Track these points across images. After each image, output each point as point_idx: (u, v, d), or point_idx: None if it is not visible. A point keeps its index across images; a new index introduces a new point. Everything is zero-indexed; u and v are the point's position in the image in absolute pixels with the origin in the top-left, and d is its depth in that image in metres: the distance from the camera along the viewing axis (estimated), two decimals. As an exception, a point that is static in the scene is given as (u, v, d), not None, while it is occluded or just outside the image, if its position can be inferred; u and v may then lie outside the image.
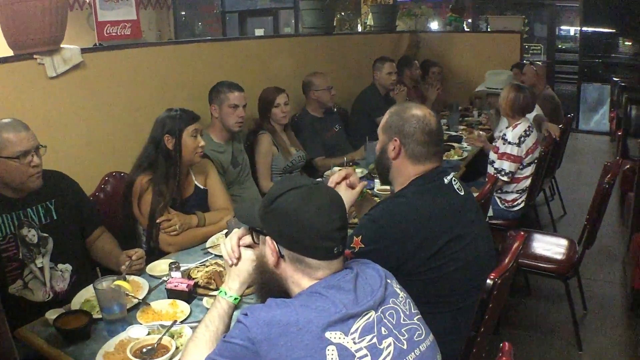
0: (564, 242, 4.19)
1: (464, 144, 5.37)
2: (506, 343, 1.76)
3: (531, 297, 4.56)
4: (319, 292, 1.60)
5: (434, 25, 9.77)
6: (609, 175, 3.69)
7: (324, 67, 5.60)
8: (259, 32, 9.76)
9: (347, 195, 2.44)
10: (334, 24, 6.92)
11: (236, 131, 4.15)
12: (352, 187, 2.49)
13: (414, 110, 2.42)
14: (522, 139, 4.50)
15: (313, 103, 5.21)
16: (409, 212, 2.32)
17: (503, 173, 4.50)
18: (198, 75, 4.51)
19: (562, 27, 12.53)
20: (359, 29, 9.37)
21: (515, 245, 2.36)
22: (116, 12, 4.20)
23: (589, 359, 3.82)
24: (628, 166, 6.15)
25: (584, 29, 11.31)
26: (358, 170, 4.44)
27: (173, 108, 3.33)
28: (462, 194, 2.47)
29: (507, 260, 2.26)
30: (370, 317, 1.59)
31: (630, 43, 11.68)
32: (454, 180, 2.48)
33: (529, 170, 4.61)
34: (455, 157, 4.95)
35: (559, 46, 12.33)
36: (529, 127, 4.58)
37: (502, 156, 4.52)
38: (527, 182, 4.61)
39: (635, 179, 4.66)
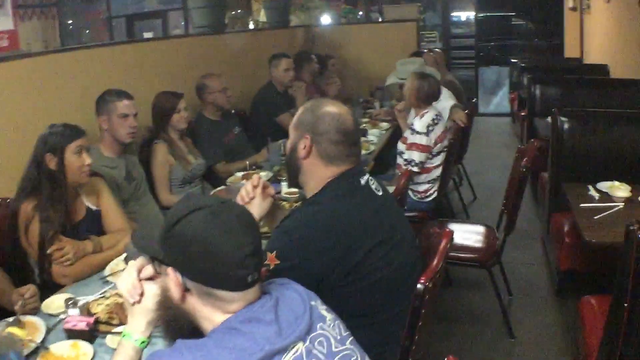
0: (482, 229, 4.04)
1: (370, 137, 5.16)
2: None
3: (453, 287, 4.40)
4: (236, 328, 1.38)
5: (329, 18, 9.53)
6: (525, 159, 3.53)
7: (217, 68, 5.32)
8: (147, 35, 9.36)
9: (263, 206, 2.31)
10: (225, 23, 6.59)
11: (129, 143, 3.79)
12: (269, 195, 2.34)
13: (329, 107, 2.19)
14: (430, 127, 4.32)
15: (209, 106, 4.90)
16: (326, 220, 2.08)
17: (413, 164, 4.31)
18: (82, 85, 4.10)
19: (456, 13, 12.63)
20: (251, 26, 9.05)
21: (443, 244, 2.14)
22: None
23: (522, 346, 3.67)
24: (538, 145, 6.11)
25: (479, 14, 11.42)
26: (262, 174, 4.16)
27: (55, 124, 3.00)
28: (381, 193, 2.25)
29: (435, 262, 2.04)
30: (298, 350, 1.40)
31: (525, 25, 11.87)
32: (371, 180, 2.25)
33: (438, 160, 4.43)
34: (363, 152, 4.73)
35: (454, 32, 12.40)
36: (436, 115, 4.41)
37: (411, 146, 4.33)
38: (438, 171, 4.43)
39: (548, 159, 4.53)
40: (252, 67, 6.36)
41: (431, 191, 4.46)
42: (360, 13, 10.31)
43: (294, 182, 2.33)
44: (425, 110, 4.40)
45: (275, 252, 2.05)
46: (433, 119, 4.35)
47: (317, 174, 2.20)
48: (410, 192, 4.44)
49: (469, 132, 5.89)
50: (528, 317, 3.97)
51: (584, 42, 9.07)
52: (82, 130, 3.03)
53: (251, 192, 2.30)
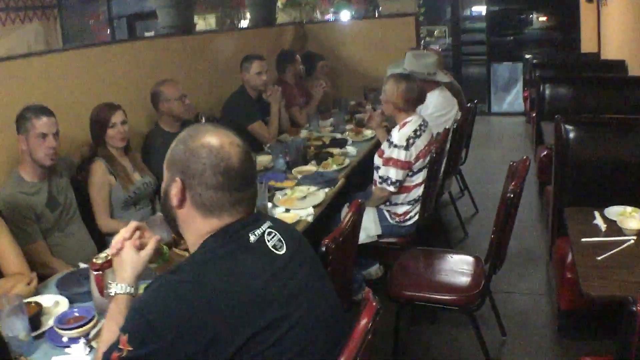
0: (468, 261, 3.41)
1: (349, 148, 4.54)
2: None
3: (438, 324, 3.78)
4: None
5: (322, 15, 8.92)
6: (513, 183, 2.90)
7: (188, 71, 5.00)
8: (149, 34, 8.93)
9: (137, 260, 1.84)
10: (195, 23, 6.01)
11: (49, 165, 3.31)
12: (141, 247, 1.86)
13: (207, 138, 1.65)
14: (411, 140, 3.70)
15: (165, 117, 4.36)
16: (190, 295, 1.50)
17: (389, 182, 3.70)
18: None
19: (468, 7, 12.02)
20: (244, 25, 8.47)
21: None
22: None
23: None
24: (545, 153, 5.47)
25: (491, 7, 10.77)
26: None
27: None
28: (283, 252, 1.66)
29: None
30: None
31: (540, 18, 11.21)
32: (270, 233, 1.67)
33: (421, 177, 3.80)
34: (334, 167, 4.13)
35: (465, 26, 11.77)
36: (420, 125, 3.80)
37: (388, 162, 3.72)
38: (420, 190, 3.80)
39: (552, 170, 3.88)
40: (232, 70, 5.74)
41: (411, 213, 3.83)
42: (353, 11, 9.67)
43: (176, 232, 1.78)
44: (408, 119, 3.79)
45: (127, 335, 1.49)
46: (415, 130, 3.74)
47: (194, 228, 1.66)
48: (386, 214, 3.85)
49: (464, 138, 5.23)
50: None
51: (601, 36, 8.43)
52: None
53: (119, 243, 1.84)
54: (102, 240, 3.61)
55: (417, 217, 3.81)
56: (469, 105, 5.40)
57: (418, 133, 3.73)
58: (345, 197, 4.05)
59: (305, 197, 3.53)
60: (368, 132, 5.05)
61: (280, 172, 4.14)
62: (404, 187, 3.77)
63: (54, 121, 3.27)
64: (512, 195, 2.83)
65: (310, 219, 3.22)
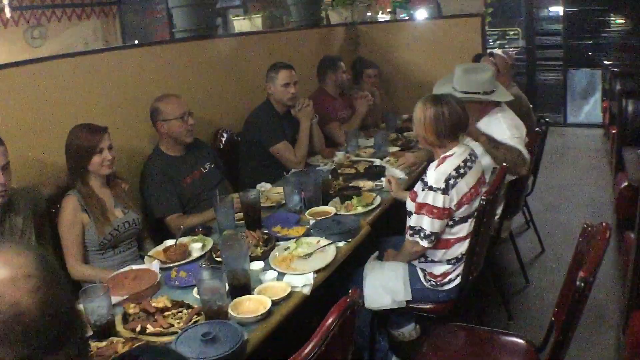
0: (517, 347, 2.59)
1: (383, 182, 3.75)
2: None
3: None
4: None
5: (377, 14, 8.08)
6: (585, 267, 2.06)
7: (204, 80, 4.46)
8: None
9: None
10: (217, 25, 5.31)
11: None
12: None
13: None
14: (452, 181, 2.88)
15: (165, 139, 3.71)
16: None
17: (422, 234, 2.90)
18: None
19: (543, 7, 11.01)
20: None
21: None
22: None
23: None
24: (625, 184, 4.57)
25: (569, 8, 9.75)
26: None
27: None
28: None
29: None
30: None
31: (622, 20, 10.11)
32: None
33: (465, 229, 2.97)
34: (359, 209, 3.35)
35: (540, 28, 10.75)
36: (465, 161, 2.96)
37: (421, 208, 2.92)
38: (464, 245, 2.98)
39: (637, 211, 3.04)
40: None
41: (452, 275, 3.02)
42: (411, 12, 8.79)
43: None
44: (449, 152, 2.97)
45: None
46: (458, 167, 2.91)
47: None
48: (420, 273, 3.07)
49: (534, 164, 4.37)
50: None
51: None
52: None
53: None
54: (77, 287, 2.96)
55: (459, 279, 3.01)
56: (539, 126, 4.52)
57: (462, 171, 2.92)
58: (374, 242, 3.31)
59: (310, 254, 2.78)
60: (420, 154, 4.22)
61: (293, 212, 3.40)
62: (443, 242, 2.97)
63: (4, 150, 2.66)
64: (582, 285, 2.00)
65: (306, 290, 2.46)
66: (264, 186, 3.88)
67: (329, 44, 6.47)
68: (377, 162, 4.24)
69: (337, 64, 5.32)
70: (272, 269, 2.66)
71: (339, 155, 4.49)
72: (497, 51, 5.88)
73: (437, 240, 2.93)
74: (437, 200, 2.84)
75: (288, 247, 2.87)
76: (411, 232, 2.95)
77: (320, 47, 6.16)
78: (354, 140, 4.74)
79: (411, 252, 3.01)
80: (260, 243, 2.92)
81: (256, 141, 4.32)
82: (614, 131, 6.44)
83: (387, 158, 4.35)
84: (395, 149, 4.63)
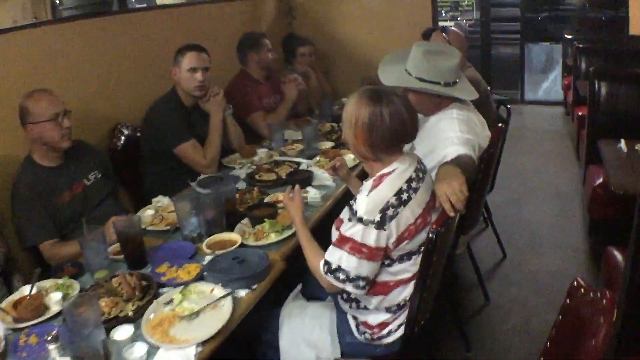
0: None
1: (311, 192, 2.99)
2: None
3: None
4: None
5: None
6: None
7: (91, 63, 3.69)
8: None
9: None
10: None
11: None
12: None
13: None
14: (392, 211, 2.09)
15: (37, 145, 2.96)
16: None
17: (345, 277, 2.13)
18: None
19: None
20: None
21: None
22: None
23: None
24: (600, 181, 3.93)
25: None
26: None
27: None
28: None
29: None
30: None
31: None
32: None
33: (409, 268, 2.21)
34: (272, 236, 2.57)
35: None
36: (409, 180, 2.17)
37: (344, 243, 2.13)
38: (407, 289, 2.23)
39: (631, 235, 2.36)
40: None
41: (392, 325, 2.27)
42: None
43: None
44: (387, 169, 2.19)
45: None
46: (399, 192, 2.12)
47: None
48: (351, 323, 2.33)
49: (491, 168, 3.60)
50: None
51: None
52: None
53: None
54: None
55: (401, 330, 2.26)
56: (499, 114, 3.80)
57: (405, 196, 2.13)
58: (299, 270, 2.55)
59: (198, 312, 2.01)
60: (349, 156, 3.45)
61: (189, 240, 2.62)
62: (379, 286, 2.21)
63: None
64: None
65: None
66: (161, 201, 3.07)
67: (258, 18, 5.67)
68: (304, 163, 3.46)
69: (260, 41, 4.50)
70: (143, 339, 1.89)
71: (261, 154, 3.71)
72: (451, 26, 5.15)
73: (370, 285, 2.17)
74: (368, 236, 2.07)
75: (172, 300, 2.10)
76: (326, 268, 2.17)
77: (248, 22, 5.36)
78: (279, 134, 3.94)
79: (330, 290, 2.27)
80: (136, 294, 2.15)
81: (158, 140, 3.52)
82: (580, 113, 5.81)
83: (317, 158, 3.56)
84: (328, 144, 3.84)
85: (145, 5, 5.40)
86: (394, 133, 2.12)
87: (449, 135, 2.76)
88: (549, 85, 9.57)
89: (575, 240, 4.38)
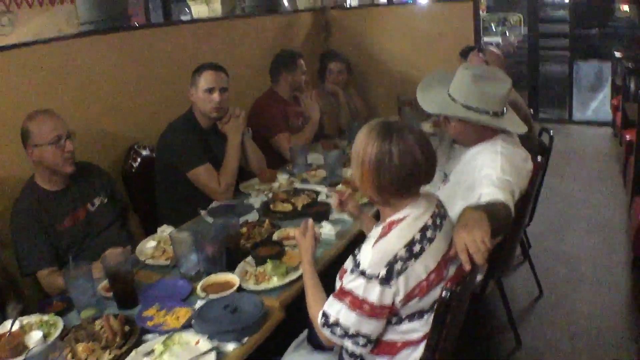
0: None
1: (326, 227, 2.78)
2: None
3: None
4: None
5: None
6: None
7: (105, 80, 3.57)
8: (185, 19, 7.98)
9: None
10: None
11: None
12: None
13: None
14: (400, 265, 1.84)
15: (39, 168, 2.84)
16: None
17: (345, 333, 1.90)
18: None
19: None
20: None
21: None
22: None
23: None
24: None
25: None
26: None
27: None
28: None
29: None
30: None
31: (625, 6, 9.30)
32: None
33: (420, 327, 1.97)
34: (274, 280, 2.34)
35: (544, 15, 9.84)
36: (423, 229, 1.92)
37: (344, 296, 1.90)
38: (418, 351, 1.97)
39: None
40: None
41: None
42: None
43: None
44: (398, 216, 1.95)
45: None
46: (411, 243, 1.88)
47: None
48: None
49: (531, 200, 3.30)
50: None
51: None
52: None
53: None
54: None
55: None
56: (540, 144, 3.54)
57: (417, 248, 1.88)
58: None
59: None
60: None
61: (187, 278, 2.43)
62: (384, 345, 1.98)
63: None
64: None
65: None
66: (166, 231, 2.88)
67: (293, 33, 5.49)
68: (324, 193, 3.24)
69: (296, 62, 4.32)
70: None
71: (281, 180, 3.51)
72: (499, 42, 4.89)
73: (376, 343, 1.95)
74: (371, 292, 1.84)
75: (152, 351, 1.91)
76: (323, 320, 1.94)
77: (282, 36, 5.18)
78: (301, 158, 3.72)
79: (328, 344, 2.05)
80: (117, 340, 1.97)
81: (172, 163, 3.35)
82: (628, 137, 5.49)
83: (340, 186, 3.33)
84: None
85: (190, 18, 5.31)
86: (404, 175, 1.88)
87: (489, 173, 2.49)
88: (598, 104, 9.24)
89: (618, 278, 4.08)
